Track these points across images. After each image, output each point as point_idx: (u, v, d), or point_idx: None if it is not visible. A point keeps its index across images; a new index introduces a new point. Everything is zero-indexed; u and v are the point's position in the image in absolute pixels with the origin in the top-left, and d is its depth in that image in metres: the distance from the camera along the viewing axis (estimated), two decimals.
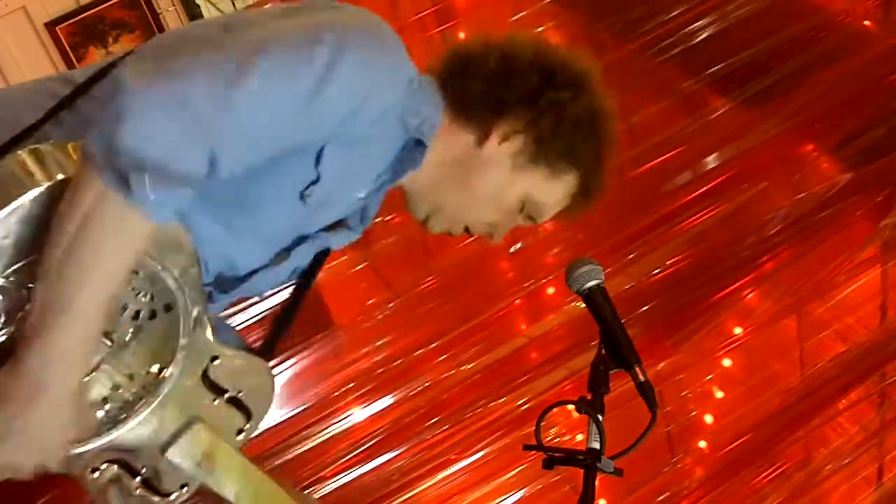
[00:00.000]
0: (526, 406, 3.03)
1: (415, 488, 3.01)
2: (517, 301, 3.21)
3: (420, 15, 3.61)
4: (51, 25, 5.01)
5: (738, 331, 3.26)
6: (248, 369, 1.37)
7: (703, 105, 3.34)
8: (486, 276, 3.28)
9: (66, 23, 5.04)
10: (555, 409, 1.39)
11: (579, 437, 1.41)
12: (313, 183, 1.31)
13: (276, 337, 1.49)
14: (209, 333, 1.30)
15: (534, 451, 1.39)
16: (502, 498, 3.07)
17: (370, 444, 2.98)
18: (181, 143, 1.08)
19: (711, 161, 3.21)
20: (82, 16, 5.07)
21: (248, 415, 1.38)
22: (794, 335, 3.48)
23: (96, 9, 5.08)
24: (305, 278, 1.53)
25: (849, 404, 3.32)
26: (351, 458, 2.97)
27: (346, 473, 2.92)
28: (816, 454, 3.37)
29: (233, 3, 5.45)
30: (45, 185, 1.09)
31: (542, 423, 1.38)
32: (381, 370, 3.01)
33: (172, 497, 1.35)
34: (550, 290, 3.19)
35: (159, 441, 1.32)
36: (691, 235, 3.17)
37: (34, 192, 1.08)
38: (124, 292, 1.18)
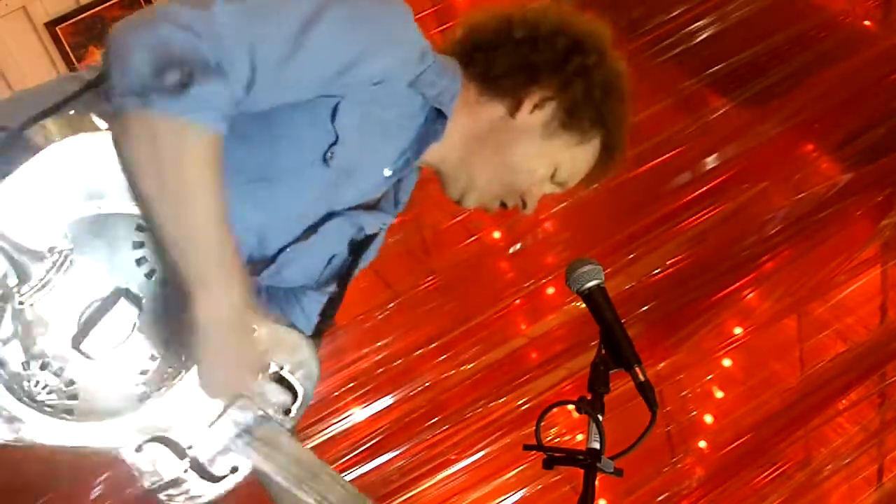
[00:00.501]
0: (526, 406, 3.03)
1: (415, 488, 3.01)
2: (517, 301, 3.21)
3: (420, 15, 3.61)
4: (51, 25, 5.01)
5: (738, 331, 3.27)
6: (288, 343, 1.31)
7: (703, 105, 3.34)
8: (486, 276, 3.28)
9: (66, 23, 5.04)
10: (555, 409, 1.39)
11: (579, 437, 1.41)
12: (334, 144, 1.31)
13: (322, 325, 1.50)
14: None
15: (534, 451, 1.39)
16: (502, 498, 3.08)
17: (370, 444, 2.99)
18: (188, 40, 1.08)
19: (711, 161, 3.21)
20: (82, 16, 5.06)
21: (294, 394, 1.33)
22: (794, 335, 3.48)
23: (96, 9, 5.08)
24: (347, 268, 1.54)
25: (849, 404, 3.33)
26: (351, 458, 2.97)
27: (346, 473, 2.92)
28: (817, 454, 3.37)
29: None
30: (63, 140, 1.07)
31: (542, 423, 1.38)
32: (381, 370, 3.02)
33: (223, 481, 1.29)
34: (550, 290, 3.19)
35: (203, 417, 1.27)
36: (691, 235, 3.17)
37: (55, 147, 1.07)
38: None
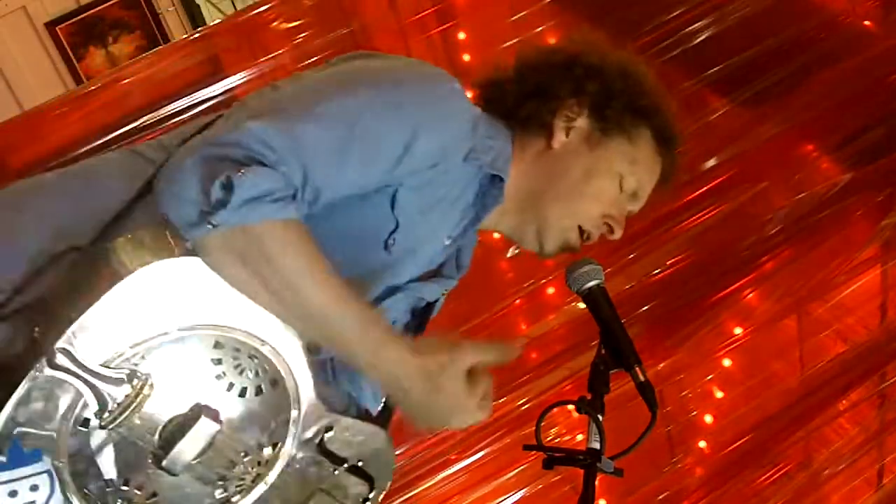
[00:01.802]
0: (526, 406, 3.02)
1: (415, 488, 3.01)
2: (517, 301, 3.21)
3: (420, 15, 3.61)
4: (51, 25, 5.01)
5: (738, 331, 3.26)
6: (364, 437, 1.33)
7: (703, 105, 3.34)
8: (486, 276, 3.28)
9: (66, 23, 5.05)
10: (555, 409, 1.39)
11: (579, 437, 1.42)
12: (395, 231, 1.30)
13: (391, 403, 1.47)
14: (320, 404, 1.27)
15: (534, 451, 1.39)
16: (502, 498, 3.07)
17: None
18: (233, 154, 1.08)
19: (711, 161, 3.20)
20: (82, 16, 5.08)
21: (370, 482, 1.36)
22: (794, 335, 3.48)
23: (96, 9, 5.09)
24: (412, 336, 1.50)
25: (849, 405, 3.32)
26: None
27: None
28: (817, 455, 3.36)
29: (233, 4, 5.45)
30: (143, 267, 1.08)
31: (542, 423, 1.38)
32: None
33: None
34: (550, 290, 3.19)
35: None
36: (691, 235, 3.17)
37: (136, 276, 1.07)
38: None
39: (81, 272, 1.10)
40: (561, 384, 3.02)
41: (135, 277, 1.07)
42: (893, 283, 3.37)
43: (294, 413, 1.24)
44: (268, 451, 1.26)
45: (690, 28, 3.19)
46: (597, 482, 1.34)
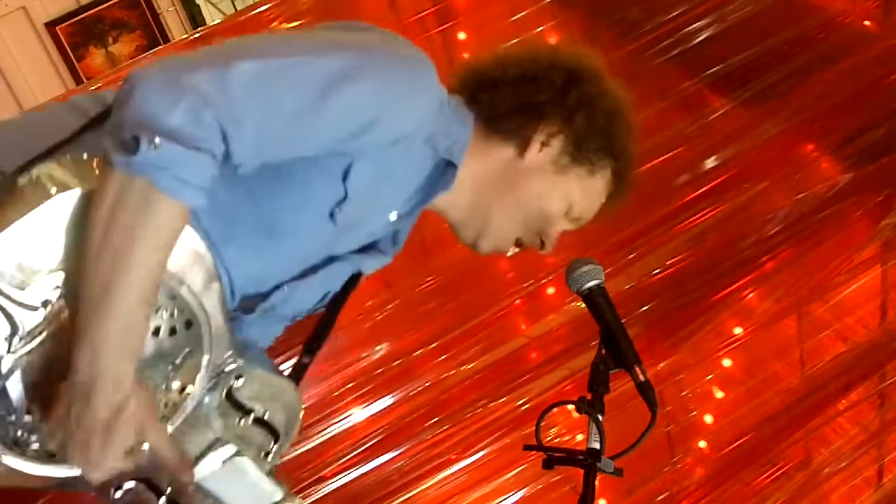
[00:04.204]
0: (526, 406, 3.03)
1: (415, 488, 3.01)
2: (517, 301, 3.21)
3: (420, 15, 3.61)
4: (51, 25, 5.02)
5: (738, 331, 3.26)
6: (273, 390, 1.35)
7: (703, 105, 3.34)
8: (486, 276, 3.28)
9: (66, 23, 5.06)
10: (555, 409, 1.39)
11: (579, 437, 1.42)
12: (342, 201, 1.31)
13: (305, 362, 1.49)
14: (233, 352, 1.27)
15: (534, 451, 1.39)
16: (502, 498, 3.07)
17: (370, 444, 2.98)
18: (184, 112, 1.06)
19: (711, 161, 3.21)
20: (82, 16, 5.08)
21: (275, 436, 1.37)
22: (794, 335, 3.48)
23: (96, 9, 5.10)
24: (334, 305, 1.53)
25: (849, 405, 3.33)
26: (351, 458, 2.97)
27: (346, 473, 2.92)
28: (817, 455, 3.37)
29: (233, 4, 5.46)
30: (66, 192, 1.07)
31: (542, 423, 1.38)
32: (381, 370, 3.01)
33: None
34: (550, 290, 3.19)
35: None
36: (691, 235, 3.17)
37: (58, 199, 1.07)
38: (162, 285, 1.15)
39: (1, 196, 1.08)
40: (561, 384, 3.03)
41: (55, 203, 1.06)
42: (893, 283, 3.38)
43: (205, 358, 1.24)
44: (174, 394, 1.25)
45: (690, 28, 3.19)
46: (597, 482, 1.34)
